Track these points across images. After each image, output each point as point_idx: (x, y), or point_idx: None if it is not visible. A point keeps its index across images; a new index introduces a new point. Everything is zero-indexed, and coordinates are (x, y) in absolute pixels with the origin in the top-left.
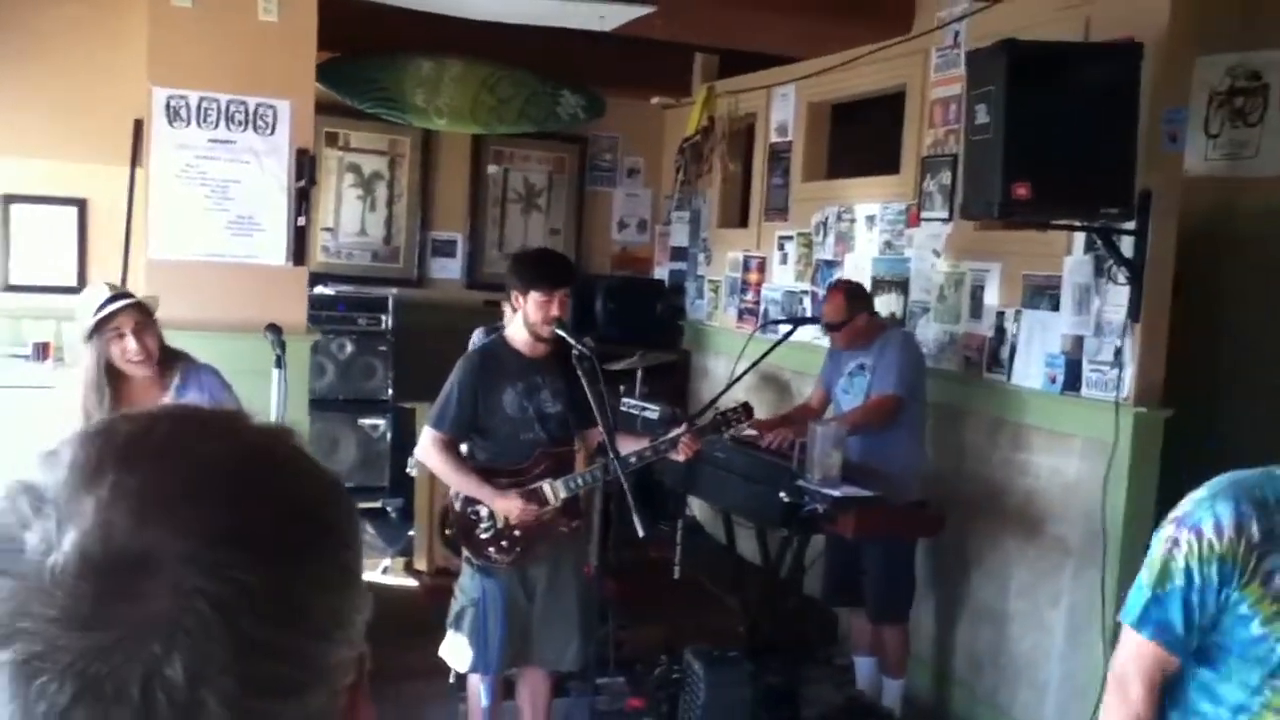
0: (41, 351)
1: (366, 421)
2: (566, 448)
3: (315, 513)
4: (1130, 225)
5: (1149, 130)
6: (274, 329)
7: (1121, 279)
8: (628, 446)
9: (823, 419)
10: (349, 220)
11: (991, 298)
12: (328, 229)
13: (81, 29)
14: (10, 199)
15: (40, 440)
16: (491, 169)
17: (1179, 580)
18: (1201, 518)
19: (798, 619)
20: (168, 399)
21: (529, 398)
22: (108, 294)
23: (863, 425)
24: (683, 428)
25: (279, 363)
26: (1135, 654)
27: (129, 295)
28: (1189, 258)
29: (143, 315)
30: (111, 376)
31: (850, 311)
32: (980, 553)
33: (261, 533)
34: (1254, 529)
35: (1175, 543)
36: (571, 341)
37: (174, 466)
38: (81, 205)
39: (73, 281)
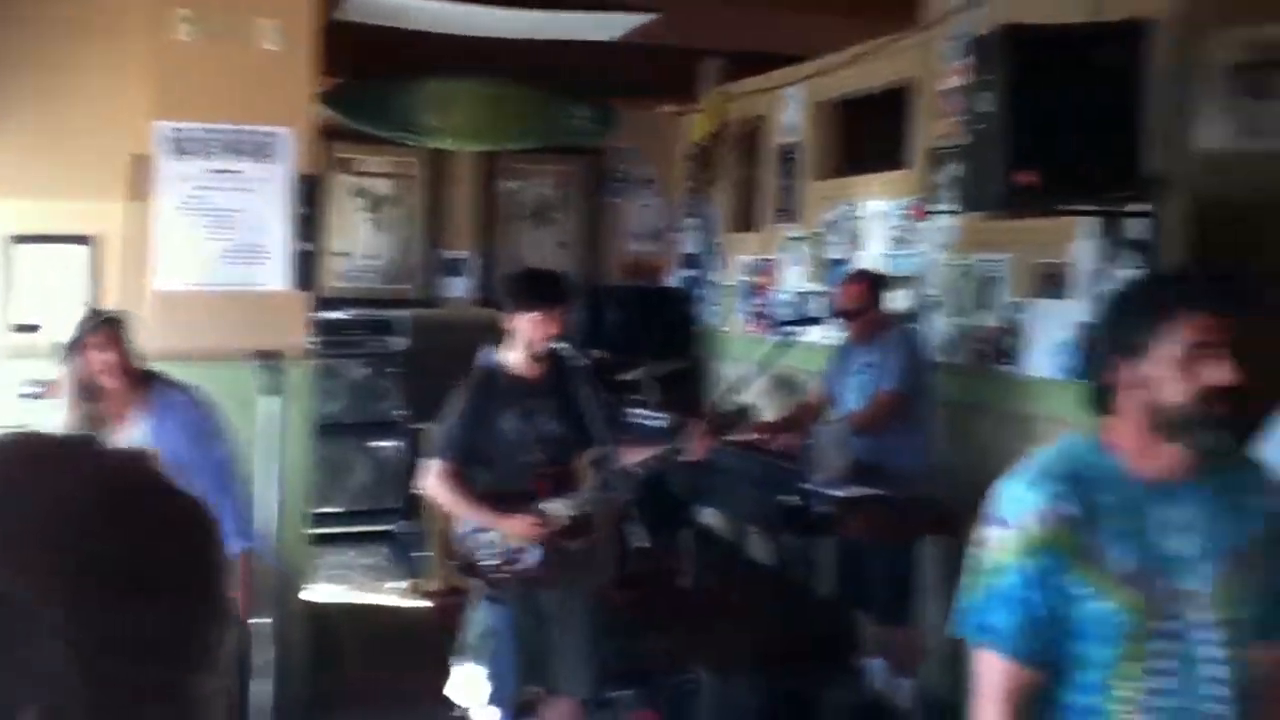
0: (52, 390)
1: (378, 444)
2: (566, 466)
3: (174, 542)
4: (1138, 208)
5: (1159, 109)
6: (264, 355)
7: (1132, 263)
8: (634, 456)
9: (827, 420)
10: (360, 243)
11: (1002, 289)
12: (341, 254)
13: (82, 64)
14: (19, 239)
15: None
16: (505, 183)
17: (1006, 578)
18: (1015, 509)
19: (810, 623)
20: (144, 418)
21: (528, 420)
22: (90, 314)
23: (868, 425)
24: (683, 432)
25: (273, 389)
26: (986, 678)
27: (102, 314)
28: (1205, 237)
29: (112, 330)
30: (91, 396)
31: (870, 299)
32: None
33: (117, 567)
34: (1069, 507)
35: (996, 542)
36: (568, 355)
37: (20, 503)
38: (91, 242)
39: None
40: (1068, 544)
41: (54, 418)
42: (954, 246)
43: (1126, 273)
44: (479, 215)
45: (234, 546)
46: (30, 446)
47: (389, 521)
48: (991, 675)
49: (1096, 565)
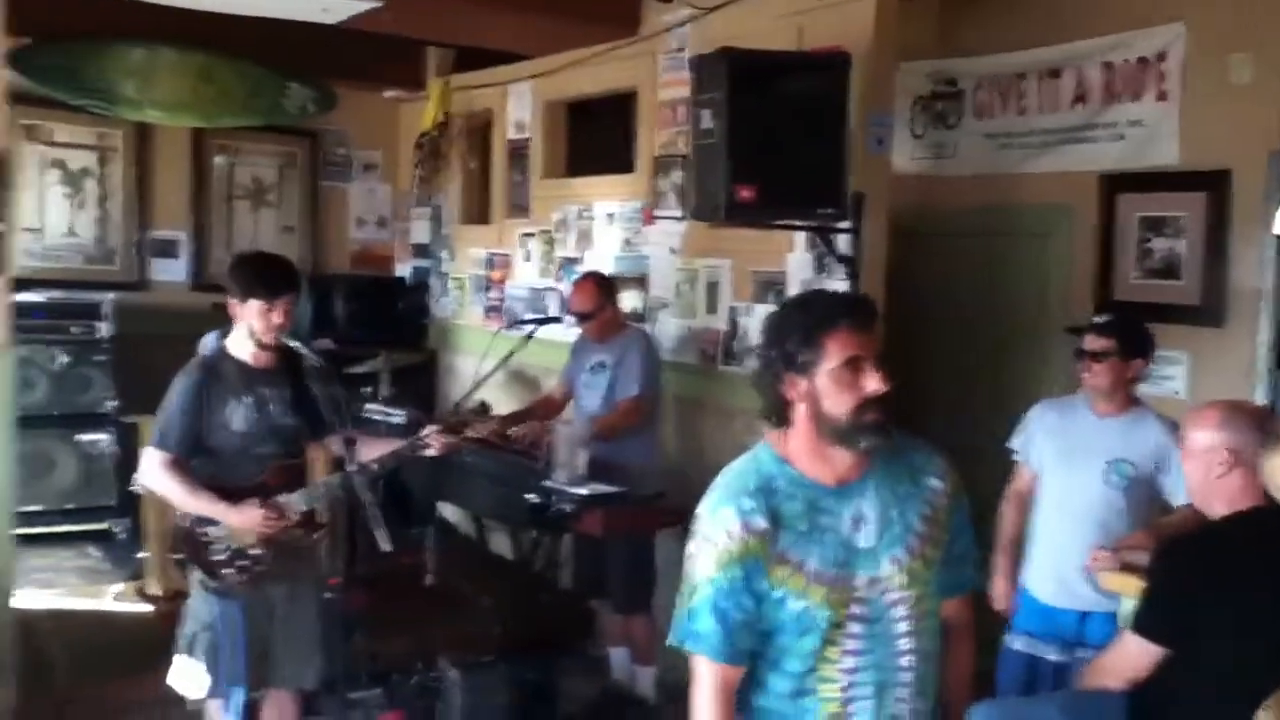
0: None
1: (86, 437)
2: (300, 459)
3: None
4: (847, 224)
5: (858, 134)
6: None
7: (840, 274)
8: (372, 452)
9: (567, 420)
10: (55, 221)
11: (725, 293)
12: (32, 229)
13: None
14: None
15: None
16: (218, 160)
17: (707, 590)
18: (711, 526)
19: (552, 615)
20: None
21: (259, 410)
22: None
23: (611, 431)
24: (430, 428)
25: None
26: (700, 679)
27: None
28: (901, 252)
29: None
30: None
31: (600, 300)
32: None
33: None
34: (758, 520)
35: (696, 555)
36: (302, 351)
37: None
38: None
39: None
40: (761, 554)
41: None
42: (681, 250)
43: (837, 283)
44: (190, 194)
45: None
46: None
47: (102, 520)
48: (703, 676)
49: (789, 569)
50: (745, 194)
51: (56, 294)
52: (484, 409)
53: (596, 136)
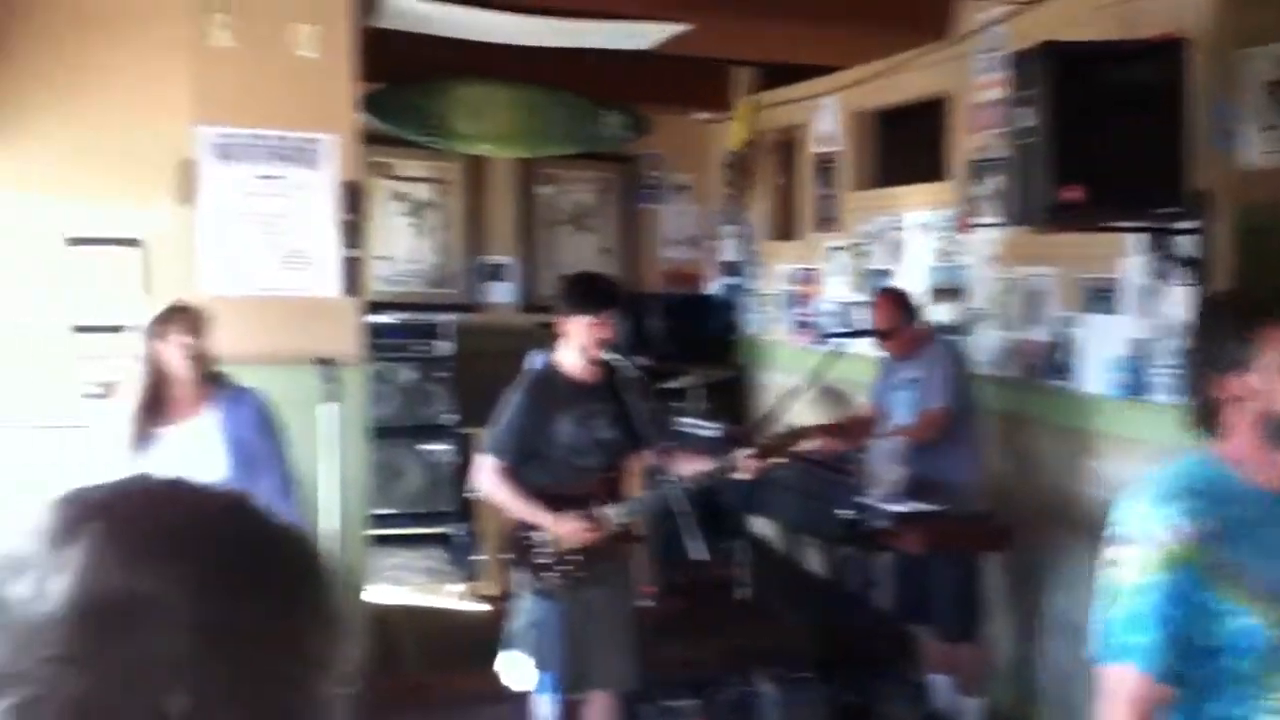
0: (111, 390)
1: (429, 447)
2: (620, 472)
3: (290, 557)
4: (1186, 225)
5: (1199, 127)
6: (323, 362)
7: (1180, 280)
8: (686, 466)
9: (878, 434)
10: (402, 248)
11: (1050, 303)
12: (383, 258)
13: (126, 72)
14: (74, 241)
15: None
16: (542, 189)
17: (1144, 596)
18: (1145, 528)
19: (868, 636)
20: (207, 414)
21: (585, 424)
22: (173, 303)
23: (916, 438)
24: (744, 451)
25: (332, 395)
26: (1120, 693)
27: (184, 303)
28: (1252, 254)
29: (195, 320)
30: (159, 389)
31: (900, 318)
32: (1056, 564)
33: (247, 572)
34: (1207, 523)
35: (1123, 561)
36: (621, 362)
37: (154, 515)
38: (140, 244)
39: (134, 320)
40: (1205, 560)
41: (116, 419)
42: (999, 259)
43: (1178, 289)
44: (518, 221)
45: None
46: (151, 483)
47: (443, 524)
48: (1126, 692)
49: (1234, 580)
50: (1071, 195)
51: (403, 315)
52: (795, 436)
53: (906, 146)
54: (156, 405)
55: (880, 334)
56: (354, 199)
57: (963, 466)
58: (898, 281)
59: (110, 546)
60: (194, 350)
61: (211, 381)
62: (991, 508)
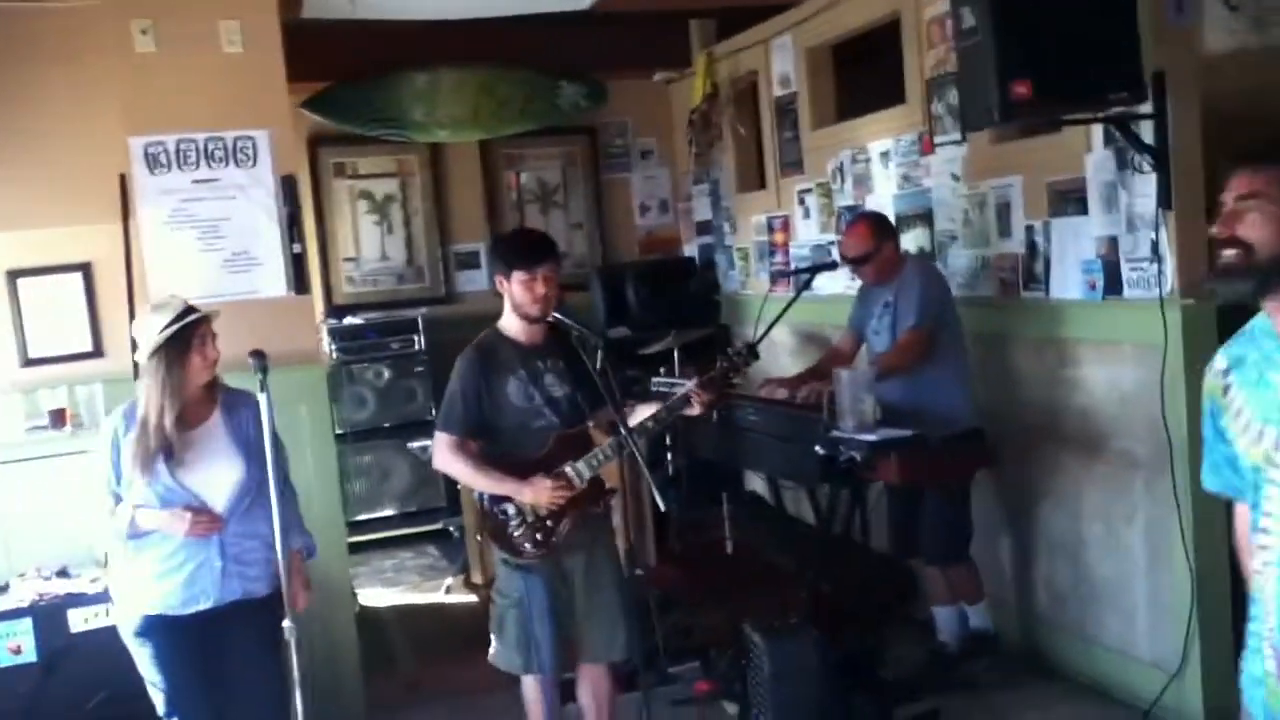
0: (58, 419)
1: (416, 445)
2: (580, 428)
3: None
4: (1145, 111)
5: (1152, 4)
6: (255, 355)
7: (1146, 168)
8: (643, 412)
9: (851, 366)
10: (369, 247)
11: (1018, 213)
12: (350, 259)
13: (56, 91)
14: (15, 274)
15: (64, 504)
16: (506, 171)
17: (1207, 426)
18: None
19: (865, 577)
20: (220, 416)
21: (534, 384)
22: (178, 306)
23: (895, 367)
24: (690, 382)
25: (262, 386)
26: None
27: (196, 310)
28: (1220, 145)
29: (209, 326)
30: (180, 393)
31: (875, 242)
32: (1046, 480)
33: None
34: (1222, 360)
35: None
36: (567, 323)
37: None
38: (86, 269)
39: (88, 347)
40: (1220, 393)
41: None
42: (965, 176)
43: (1141, 180)
44: (484, 205)
45: (294, 543)
46: None
47: (436, 520)
48: (1237, 520)
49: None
50: (1020, 90)
51: (376, 315)
52: (752, 351)
53: (864, 76)
54: (173, 416)
55: (856, 260)
56: (291, 193)
57: (944, 387)
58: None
59: None
60: (213, 359)
61: (213, 385)
62: (978, 428)
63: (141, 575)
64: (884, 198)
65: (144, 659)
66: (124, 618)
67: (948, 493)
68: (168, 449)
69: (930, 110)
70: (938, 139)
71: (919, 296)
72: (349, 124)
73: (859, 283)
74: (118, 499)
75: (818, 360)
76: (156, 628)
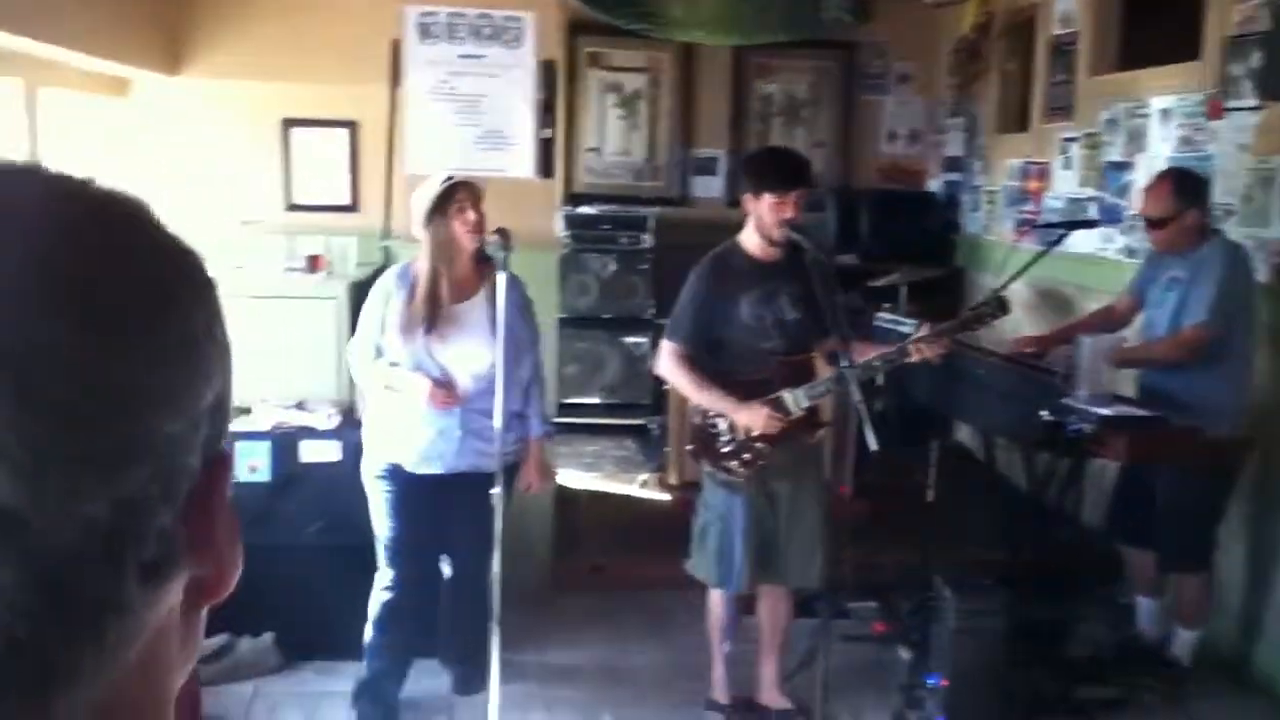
0: (313, 264)
1: (629, 340)
2: (805, 355)
3: (153, 280)
4: None
5: None
6: (501, 233)
7: None
8: (866, 354)
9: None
10: (612, 140)
11: None
12: (593, 149)
13: None
14: (290, 122)
15: (309, 344)
16: (757, 81)
17: None
18: None
19: (1070, 551)
20: (485, 292)
21: (766, 305)
22: (443, 178)
23: (1166, 360)
24: (921, 329)
25: (504, 265)
26: None
27: (460, 179)
28: None
29: (477, 193)
30: (450, 258)
31: (1176, 204)
32: None
33: (79, 292)
34: None
35: None
36: (805, 244)
37: None
38: (353, 126)
39: (346, 200)
40: None
41: (311, 290)
42: (1254, 147)
43: None
44: (730, 114)
45: (536, 430)
46: (14, 168)
47: (639, 416)
48: None
49: None
50: None
51: (610, 208)
52: (1001, 304)
53: (1154, 24)
54: (441, 285)
55: (1150, 221)
56: (549, 79)
57: (1214, 385)
58: (1136, 175)
59: None
60: (476, 224)
61: (483, 261)
62: (1248, 433)
63: (390, 426)
64: (1157, 159)
65: (378, 504)
66: (369, 460)
67: (1191, 490)
68: (431, 319)
69: (1226, 70)
70: (1230, 103)
71: (1217, 289)
72: (607, 13)
73: (1116, 244)
74: (379, 351)
75: (1087, 317)
76: (394, 476)
